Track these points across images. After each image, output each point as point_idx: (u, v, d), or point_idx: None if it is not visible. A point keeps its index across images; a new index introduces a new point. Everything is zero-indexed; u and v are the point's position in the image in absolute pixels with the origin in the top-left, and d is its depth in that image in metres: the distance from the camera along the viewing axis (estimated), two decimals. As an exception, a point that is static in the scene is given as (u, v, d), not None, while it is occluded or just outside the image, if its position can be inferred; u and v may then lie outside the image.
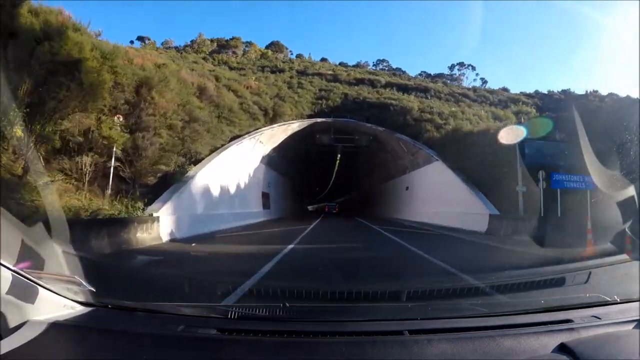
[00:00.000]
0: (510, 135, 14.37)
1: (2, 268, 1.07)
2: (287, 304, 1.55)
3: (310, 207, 64.15)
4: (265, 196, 20.88)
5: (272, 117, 20.24)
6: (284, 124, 19.54)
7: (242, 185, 16.17)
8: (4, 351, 0.98)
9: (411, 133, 21.06)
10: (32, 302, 1.16)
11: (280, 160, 23.12)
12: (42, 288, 1.22)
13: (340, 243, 9.36)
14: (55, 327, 1.14)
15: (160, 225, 8.97)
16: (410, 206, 21.27)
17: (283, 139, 20.67)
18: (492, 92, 43.21)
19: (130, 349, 1.13)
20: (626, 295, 1.61)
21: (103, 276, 1.83)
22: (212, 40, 57.97)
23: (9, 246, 1.19)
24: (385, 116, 24.25)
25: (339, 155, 26.26)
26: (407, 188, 22.57)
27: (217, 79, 20.58)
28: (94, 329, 1.23)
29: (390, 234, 11.59)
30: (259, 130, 17.49)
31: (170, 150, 11.29)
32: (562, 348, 1.09)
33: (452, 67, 61.12)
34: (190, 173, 11.64)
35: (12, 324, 1.07)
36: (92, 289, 1.46)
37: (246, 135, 16.37)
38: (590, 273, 3.15)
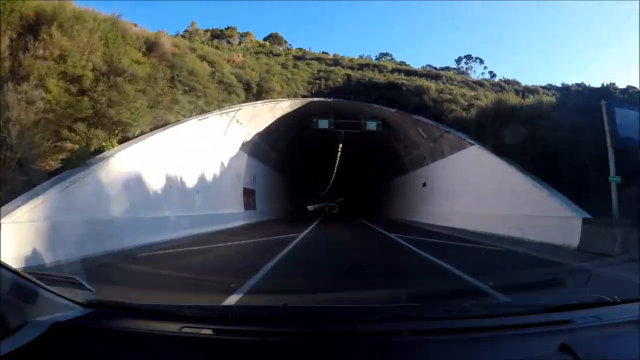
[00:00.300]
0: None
1: (2, 268, 1.06)
2: (288, 305, 1.42)
3: (310, 207, 60.55)
4: (248, 194, 16.64)
5: (257, 94, 15.97)
6: (271, 102, 15.27)
7: (209, 178, 11.92)
8: (4, 352, 0.95)
9: (430, 115, 16.77)
10: (33, 303, 1.13)
11: (268, 149, 18.86)
12: (42, 289, 1.19)
13: (345, 276, 4.82)
14: (56, 328, 1.11)
15: (3, 242, 4.71)
16: (429, 206, 16.95)
17: (270, 122, 16.41)
18: (507, 82, 39.04)
19: (131, 349, 1.11)
20: (626, 295, 1.53)
21: None
22: (206, 31, 54.18)
23: (9, 246, 1.71)
24: (397, 97, 19.90)
25: (341, 145, 21.87)
26: (424, 184, 18.26)
27: (192, 50, 16.35)
28: (94, 330, 1.19)
29: (425, 252, 7.26)
30: (235, 106, 13.23)
31: (68, 115, 7.04)
32: (563, 348, 1.04)
33: (459, 60, 57.10)
34: (106, 154, 7.40)
35: (12, 324, 1.03)
36: (93, 289, 1.46)
37: (216, 111, 12.12)
38: (590, 273, 3.16)
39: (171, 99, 10.39)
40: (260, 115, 15.04)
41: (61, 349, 1.08)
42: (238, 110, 13.09)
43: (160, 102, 9.81)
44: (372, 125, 18.38)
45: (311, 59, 33.62)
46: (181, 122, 10.20)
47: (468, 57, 57.74)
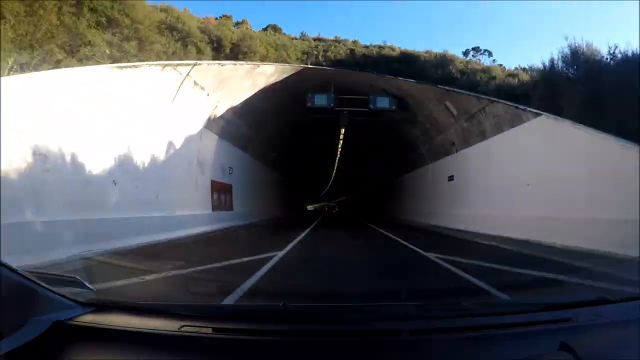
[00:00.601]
0: None
1: (2, 267, 1.04)
2: (287, 304, 1.40)
3: (310, 207, 56.72)
4: (221, 189, 12.54)
5: (231, 57, 11.93)
6: (247, 64, 11.18)
7: (142, 163, 7.83)
8: (3, 351, 0.93)
9: (459, 88, 12.73)
10: (33, 302, 1.11)
11: (251, 133, 14.75)
12: (42, 287, 1.17)
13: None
14: (56, 327, 1.09)
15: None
16: (459, 207, 12.85)
17: (251, 94, 12.32)
18: (524, 69, 35.15)
19: (130, 349, 1.09)
20: (627, 293, 1.52)
21: None
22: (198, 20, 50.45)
23: (9, 245, 1.49)
24: (413, 72, 15.98)
25: (344, 130, 17.68)
26: (450, 178, 14.13)
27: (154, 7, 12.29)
28: (94, 329, 1.16)
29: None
30: (189, 62, 9.12)
31: None
32: (563, 347, 1.01)
33: (466, 53, 53.74)
34: None
35: (12, 323, 1.01)
36: (93, 288, 1.46)
37: (154, 62, 8.05)
38: (591, 271, 3.00)
39: (69, 32, 6.33)
40: (232, 81, 10.93)
41: (61, 347, 1.06)
42: (194, 65, 8.97)
43: (45, 33, 5.74)
44: (383, 103, 14.22)
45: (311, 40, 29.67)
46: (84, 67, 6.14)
47: (476, 49, 54.08)
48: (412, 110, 14.89)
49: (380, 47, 28.23)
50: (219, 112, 11.34)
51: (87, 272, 4.27)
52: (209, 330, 1.18)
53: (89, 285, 1.43)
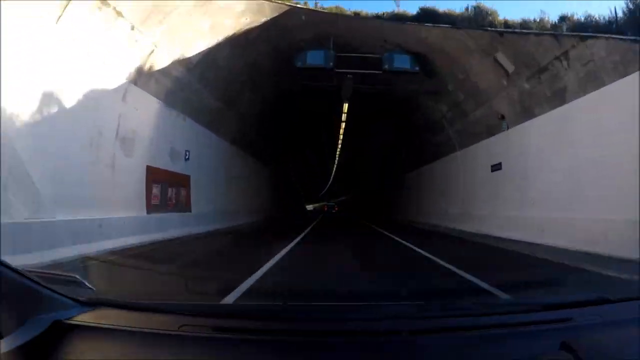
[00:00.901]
0: None
1: (2, 267, 1.03)
2: (287, 303, 1.50)
3: (309, 207, 53.32)
4: (167, 181, 8.74)
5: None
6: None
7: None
8: (3, 350, 0.92)
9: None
10: (33, 301, 1.11)
11: (217, 103, 10.88)
12: (42, 287, 1.17)
13: None
14: (55, 327, 1.07)
15: None
16: (512, 208, 9.06)
17: (211, 44, 8.52)
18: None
19: (130, 348, 1.08)
20: (627, 293, 1.48)
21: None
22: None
23: (9, 245, 1.39)
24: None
25: (347, 107, 13.76)
26: (495, 167, 10.32)
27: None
28: (93, 328, 1.14)
29: None
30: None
31: None
32: (564, 346, 0.98)
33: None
34: None
35: (11, 323, 0.99)
36: (92, 288, 1.46)
37: None
38: (591, 272, 2.97)
39: None
40: (178, 14, 7.06)
41: (61, 346, 1.04)
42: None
43: None
44: (402, 62, 10.46)
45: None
46: None
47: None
48: (439, 76, 11.10)
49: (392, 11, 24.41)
50: (159, 62, 7.51)
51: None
52: (209, 330, 1.18)
53: (88, 285, 1.43)
